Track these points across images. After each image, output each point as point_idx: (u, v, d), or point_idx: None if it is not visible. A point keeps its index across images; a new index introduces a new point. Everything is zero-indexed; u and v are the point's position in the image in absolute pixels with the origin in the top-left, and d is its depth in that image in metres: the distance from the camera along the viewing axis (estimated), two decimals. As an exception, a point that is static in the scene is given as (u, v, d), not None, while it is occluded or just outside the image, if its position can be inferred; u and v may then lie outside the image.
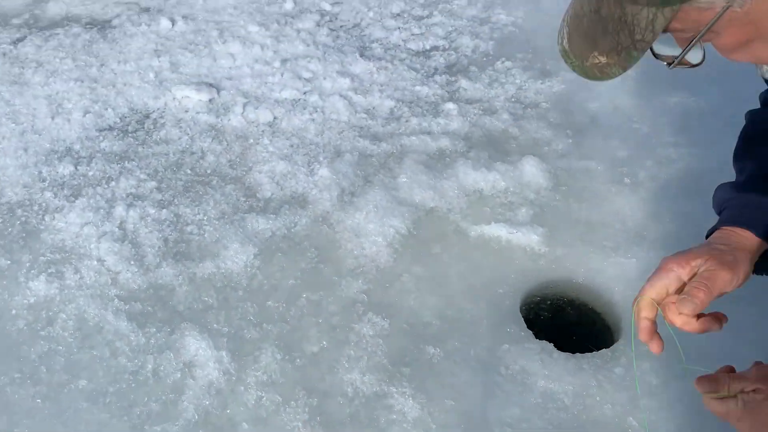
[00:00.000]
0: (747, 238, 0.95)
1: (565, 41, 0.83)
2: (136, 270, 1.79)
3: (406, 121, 2.24)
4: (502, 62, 2.47)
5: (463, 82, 2.38)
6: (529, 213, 1.90)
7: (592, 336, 1.75)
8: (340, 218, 1.93)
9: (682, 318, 0.90)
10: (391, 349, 1.62)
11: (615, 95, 2.30)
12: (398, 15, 2.78)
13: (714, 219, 1.07)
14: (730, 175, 2.00)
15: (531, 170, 2.00)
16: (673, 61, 0.82)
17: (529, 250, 1.82)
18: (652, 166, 2.05)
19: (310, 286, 1.77)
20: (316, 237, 1.89)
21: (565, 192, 1.97)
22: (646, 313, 0.94)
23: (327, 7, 2.83)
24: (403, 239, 1.86)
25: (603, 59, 0.80)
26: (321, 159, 2.12)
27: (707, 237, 1.00)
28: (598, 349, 1.66)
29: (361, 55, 2.53)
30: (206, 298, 1.74)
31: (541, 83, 2.36)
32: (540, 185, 1.98)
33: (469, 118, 2.22)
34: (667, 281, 0.92)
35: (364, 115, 2.28)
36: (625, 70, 0.80)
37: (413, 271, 1.79)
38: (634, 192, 1.97)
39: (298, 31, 2.67)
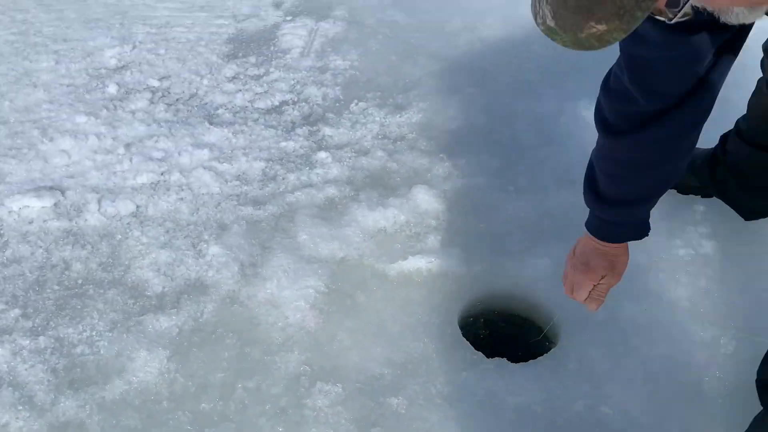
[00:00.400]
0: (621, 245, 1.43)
1: (549, 20, 0.79)
2: (29, 415, 1.50)
3: (283, 178, 2.15)
4: (356, 104, 2.48)
5: (326, 130, 2.35)
6: (438, 239, 1.90)
7: (529, 340, 1.77)
8: (250, 293, 1.78)
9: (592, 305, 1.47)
10: (353, 413, 1.51)
11: (469, 114, 2.41)
12: (234, 78, 2.68)
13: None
14: (566, 176, 2.13)
15: (424, 198, 2.01)
16: (675, 15, 0.81)
17: (450, 274, 1.81)
18: (526, 170, 2.16)
19: (242, 374, 1.60)
20: (231, 320, 1.72)
21: (461, 211, 2.00)
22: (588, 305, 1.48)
23: (155, 83, 2.65)
24: (325, 297, 1.76)
25: (602, 27, 0.76)
26: (206, 237, 1.95)
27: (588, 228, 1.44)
28: (542, 351, 1.69)
29: (211, 123, 2.40)
30: (127, 421, 1.50)
31: (400, 116, 2.40)
32: (437, 210, 2.00)
33: (345, 163, 2.19)
34: (589, 288, 1.44)
35: (237, 183, 2.15)
36: (627, 33, 0.77)
37: (346, 326, 1.70)
38: (521, 196, 2.06)
39: (133, 112, 2.47)
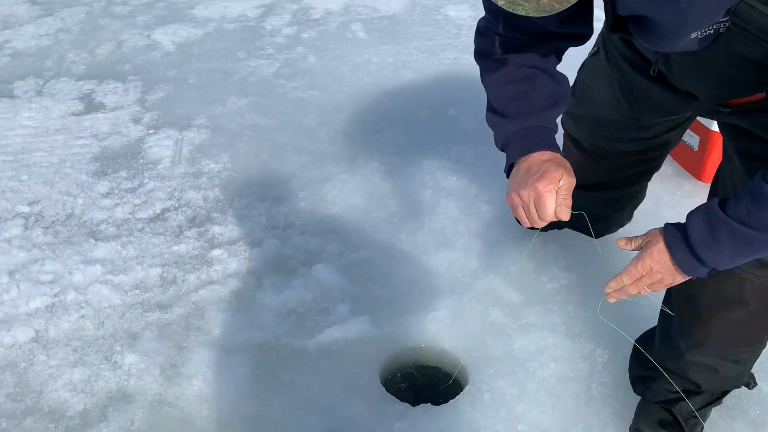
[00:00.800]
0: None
1: None
2: None
3: (183, 280, 2.22)
4: (238, 201, 2.62)
5: (215, 229, 2.46)
6: (346, 308, 2.07)
7: (441, 385, 1.97)
8: (177, 393, 1.82)
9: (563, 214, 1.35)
10: (305, 481, 1.60)
11: (346, 197, 2.64)
12: (109, 193, 2.72)
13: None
14: (441, 240, 2.44)
15: (325, 275, 2.19)
16: None
17: (365, 338, 1.99)
18: (406, 238, 2.41)
19: (187, 469, 1.63)
20: (164, 422, 1.75)
21: (361, 282, 2.20)
22: (559, 216, 1.35)
23: (25, 209, 2.61)
24: (253, 382, 1.85)
25: None
26: (118, 348, 1.96)
27: (516, 156, 1.41)
28: (458, 391, 1.89)
29: (96, 239, 2.41)
30: None
31: (283, 207, 2.58)
32: (339, 284, 2.18)
33: (242, 256, 2.31)
34: (554, 197, 1.32)
35: (137, 291, 2.18)
36: None
37: (279, 405, 1.79)
38: (407, 262, 2.30)
39: (8, 240, 2.42)
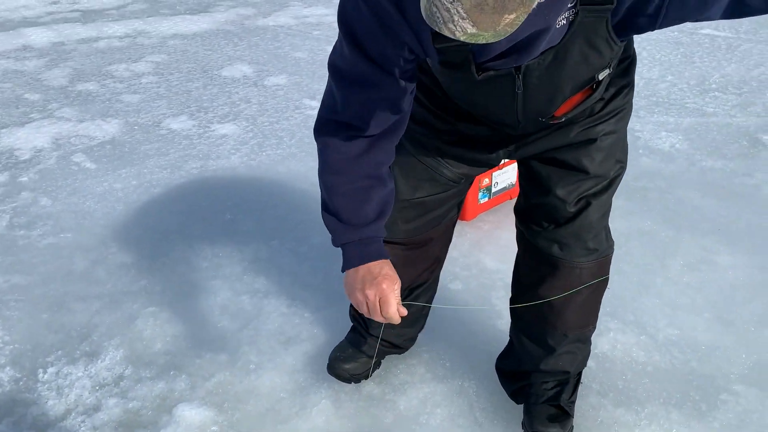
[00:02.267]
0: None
1: (469, 29, 0.95)
2: None
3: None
4: (43, 373, 2.28)
5: (33, 410, 2.09)
6: (233, 437, 1.98)
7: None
8: None
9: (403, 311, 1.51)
10: None
11: (161, 332, 2.50)
12: None
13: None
14: (284, 338, 2.52)
15: (191, 413, 2.04)
16: None
17: (265, 457, 1.92)
18: (246, 350, 2.39)
19: None
20: None
21: (229, 405, 2.10)
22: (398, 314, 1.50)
23: None
24: None
25: (512, 16, 0.94)
26: None
27: (353, 263, 1.52)
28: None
29: None
30: None
31: (101, 362, 2.31)
32: (209, 417, 2.05)
33: (81, 428, 2.03)
34: (396, 297, 1.48)
35: None
36: (528, 13, 0.97)
37: None
38: (263, 375, 2.28)
39: None
